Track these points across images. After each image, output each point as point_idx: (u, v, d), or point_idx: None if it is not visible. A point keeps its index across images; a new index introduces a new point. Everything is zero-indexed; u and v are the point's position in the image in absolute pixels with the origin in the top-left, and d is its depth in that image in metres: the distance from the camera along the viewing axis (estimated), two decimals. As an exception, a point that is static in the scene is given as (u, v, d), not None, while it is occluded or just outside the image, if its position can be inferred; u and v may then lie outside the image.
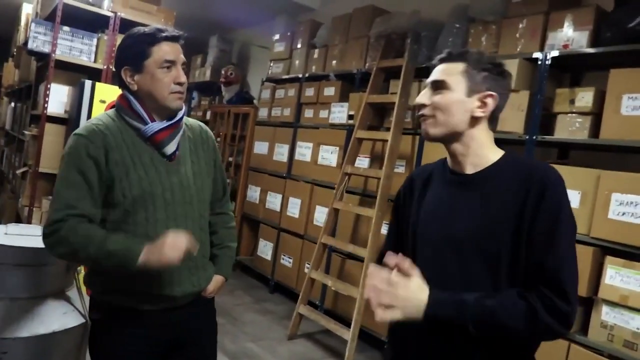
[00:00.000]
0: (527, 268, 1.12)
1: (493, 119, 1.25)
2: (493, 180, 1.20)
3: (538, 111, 2.95)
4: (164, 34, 1.45)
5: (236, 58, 7.02)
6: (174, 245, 1.33)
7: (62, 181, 1.41)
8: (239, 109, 5.91)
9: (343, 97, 4.45)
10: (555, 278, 1.08)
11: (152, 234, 1.41)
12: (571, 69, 3.19)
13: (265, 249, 5.14)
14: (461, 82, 1.20)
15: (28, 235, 1.82)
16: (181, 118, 1.53)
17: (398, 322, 1.13)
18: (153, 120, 1.47)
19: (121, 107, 1.50)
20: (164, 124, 1.48)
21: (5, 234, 1.80)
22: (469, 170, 1.24)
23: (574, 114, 2.85)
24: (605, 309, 2.57)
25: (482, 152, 1.22)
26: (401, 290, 1.11)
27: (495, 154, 1.24)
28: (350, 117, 4.25)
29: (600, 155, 3.00)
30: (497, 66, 1.23)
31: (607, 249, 2.60)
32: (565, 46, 2.93)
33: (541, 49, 3.06)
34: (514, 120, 2.99)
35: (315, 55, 4.98)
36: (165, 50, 1.44)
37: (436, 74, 1.24)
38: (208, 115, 6.71)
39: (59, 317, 1.76)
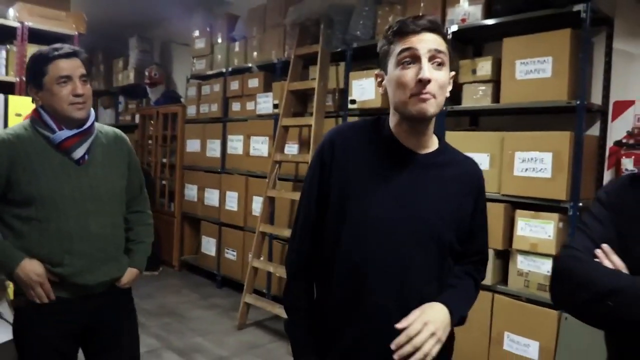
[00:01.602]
0: (466, 251, 1.27)
1: None
2: (444, 165, 1.21)
3: (445, 83, 3.14)
4: (57, 53, 1.60)
5: (158, 58, 6.91)
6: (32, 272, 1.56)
7: None
8: (167, 109, 5.86)
9: (267, 88, 4.52)
10: (485, 256, 1.35)
11: (65, 228, 1.60)
12: (472, 41, 3.40)
13: (208, 246, 5.17)
14: (447, 58, 1.12)
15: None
16: (90, 126, 1.68)
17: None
18: (61, 129, 1.62)
19: (34, 118, 1.65)
20: (72, 132, 1.62)
21: None
22: (421, 149, 1.20)
23: (476, 83, 3.06)
24: (519, 258, 2.80)
25: (431, 132, 1.21)
26: (431, 326, 1.09)
27: (435, 138, 1.25)
28: (275, 106, 4.34)
29: (504, 119, 3.23)
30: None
31: (517, 204, 2.83)
32: (463, 20, 3.13)
33: (443, 24, 3.24)
34: (424, 94, 3.17)
35: (236, 49, 5.01)
36: (60, 67, 1.59)
37: (432, 43, 1.09)
38: (137, 119, 6.61)
39: (-12, 331, 1.76)
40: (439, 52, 1.10)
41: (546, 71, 2.72)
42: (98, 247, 1.66)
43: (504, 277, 2.93)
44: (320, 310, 1.25)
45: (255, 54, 4.76)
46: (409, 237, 1.15)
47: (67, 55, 1.61)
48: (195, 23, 5.79)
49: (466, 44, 3.43)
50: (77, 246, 1.62)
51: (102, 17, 5.74)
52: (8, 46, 3.77)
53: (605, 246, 1.06)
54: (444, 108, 3.10)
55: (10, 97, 3.30)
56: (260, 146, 4.53)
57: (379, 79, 1.22)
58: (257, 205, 4.48)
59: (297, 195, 3.90)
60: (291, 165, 4.14)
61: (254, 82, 4.66)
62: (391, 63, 1.14)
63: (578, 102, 2.62)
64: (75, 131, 1.63)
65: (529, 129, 2.86)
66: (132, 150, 1.87)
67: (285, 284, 1.34)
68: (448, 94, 1.15)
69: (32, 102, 1.67)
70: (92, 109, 1.71)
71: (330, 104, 3.89)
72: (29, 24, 3.77)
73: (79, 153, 1.64)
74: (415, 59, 1.09)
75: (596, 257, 1.05)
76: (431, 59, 1.09)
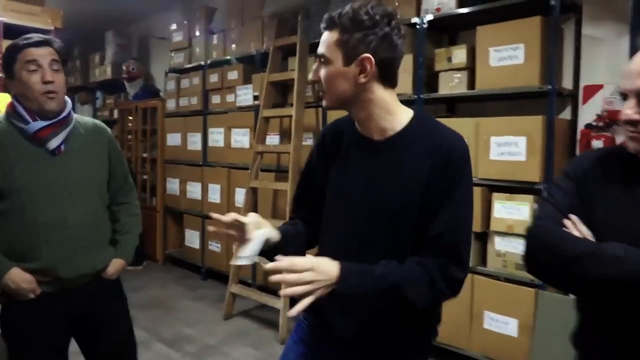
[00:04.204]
0: (425, 235, 1.16)
1: (387, 78, 1.20)
2: (402, 148, 1.20)
3: (421, 72, 3.22)
4: (26, 41, 1.61)
5: (136, 52, 6.86)
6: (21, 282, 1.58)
7: None
8: (146, 103, 5.84)
9: (247, 80, 4.54)
10: (451, 245, 1.15)
11: (42, 218, 1.60)
12: (447, 30, 3.47)
13: (192, 239, 5.19)
14: (337, 52, 1.16)
15: None
16: (65, 117, 1.67)
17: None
18: (35, 120, 1.61)
19: (8, 111, 1.66)
20: (45, 122, 1.62)
21: None
22: (377, 136, 1.23)
23: (452, 71, 3.14)
24: (497, 239, 2.90)
25: (386, 117, 1.21)
26: (314, 273, 1.08)
27: (403, 117, 1.23)
28: (255, 97, 4.37)
29: (480, 105, 3.32)
30: (373, 18, 1.15)
31: (493, 187, 2.93)
32: (438, 9, 3.20)
33: (417, 14, 3.31)
34: (402, 82, 3.24)
35: (215, 42, 5.01)
36: (30, 53, 1.59)
37: (319, 46, 1.22)
38: (115, 114, 6.56)
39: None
40: (319, 54, 1.22)
41: (518, 58, 2.81)
42: (77, 238, 1.65)
43: (482, 259, 3.02)
44: None
45: (234, 46, 4.77)
46: (363, 222, 1.23)
47: (38, 44, 1.61)
48: (173, 17, 5.78)
49: (441, 33, 3.50)
50: (54, 237, 1.61)
51: (78, 12, 5.68)
52: (-18, 42, 3.73)
53: (573, 217, 1.13)
54: (421, 96, 3.19)
55: (-13, 94, 3.27)
56: (242, 138, 4.56)
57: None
58: (239, 196, 4.52)
59: (279, 186, 3.97)
60: (273, 155, 4.18)
61: (233, 75, 4.68)
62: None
63: (549, 87, 2.72)
64: (49, 122, 1.62)
65: (504, 114, 2.96)
66: (114, 141, 1.87)
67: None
68: (352, 81, 1.18)
69: (10, 95, 1.68)
70: (68, 99, 1.71)
71: (310, 95, 3.93)
72: (3, 19, 3.73)
73: (53, 143, 1.63)
74: None
75: (564, 226, 1.12)
76: (318, 58, 1.22)
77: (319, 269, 1.09)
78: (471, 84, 3.08)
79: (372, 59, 1.15)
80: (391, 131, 1.22)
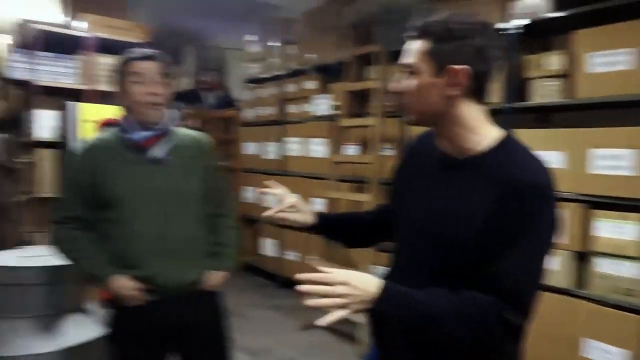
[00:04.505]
0: (485, 272, 1.05)
1: (478, 92, 1.11)
2: (475, 172, 1.11)
3: (512, 79, 3.06)
4: (133, 55, 1.68)
5: (213, 63, 7.07)
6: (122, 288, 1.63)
7: (63, 186, 1.73)
8: (223, 113, 5.98)
9: (324, 89, 4.53)
10: (513, 289, 1.03)
11: (142, 227, 1.65)
12: (539, 35, 3.29)
13: (268, 247, 5.23)
14: (426, 62, 1.10)
15: (40, 256, 1.90)
16: (167, 128, 1.71)
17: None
18: (140, 131, 1.68)
19: (118, 123, 1.74)
20: (149, 132, 1.68)
21: (19, 257, 1.88)
22: (456, 154, 1.15)
23: (545, 78, 2.96)
24: (599, 260, 2.67)
25: (470, 135, 1.12)
26: (348, 287, 1.00)
27: (489, 137, 1.13)
28: (333, 107, 4.34)
29: (578, 114, 3.10)
30: (469, 28, 1.09)
31: (595, 203, 2.71)
32: (530, 14, 3.03)
33: (506, 19, 3.16)
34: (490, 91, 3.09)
35: (292, 51, 5.05)
36: (137, 67, 1.66)
37: (404, 56, 1.15)
38: (198, 123, 6.77)
39: (80, 330, 1.85)
40: (404, 64, 1.16)
41: (626, 63, 2.60)
42: (176, 248, 1.68)
43: (582, 281, 2.81)
44: None
45: (311, 56, 4.79)
46: (418, 244, 1.18)
47: (144, 58, 1.67)
48: (250, 29, 5.90)
49: (532, 39, 3.31)
50: (154, 246, 1.65)
51: (158, 26, 5.93)
52: (78, 56, 3.94)
53: None
54: (511, 105, 3.02)
55: (82, 105, 3.45)
56: (319, 147, 4.55)
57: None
58: (316, 206, 4.50)
59: (357, 197, 3.91)
60: (351, 166, 4.13)
61: (310, 84, 4.69)
62: None
63: (662, 95, 2.49)
64: (152, 132, 1.68)
65: (605, 124, 2.74)
66: (214, 155, 1.90)
67: None
68: (442, 94, 1.11)
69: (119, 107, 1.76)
70: (170, 111, 1.74)
71: (392, 104, 3.85)
72: (98, 34, 3.93)
73: (156, 153, 1.68)
74: None
75: None
76: (402, 68, 1.16)
77: (353, 283, 1.00)
78: (568, 92, 2.89)
79: (467, 71, 1.08)
80: (472, 151, 1.13)
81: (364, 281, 1.02)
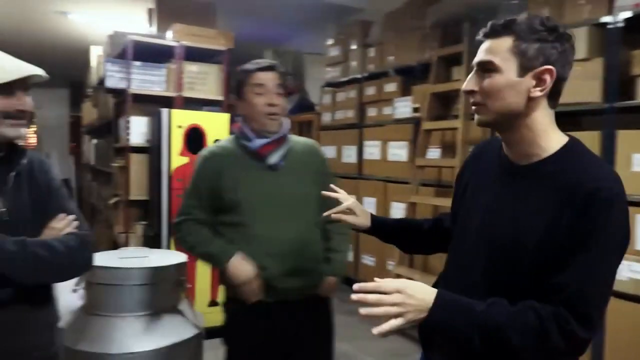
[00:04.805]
0: (547, 283, 1.01)
1: (554, 95, 1.09)
2: (538, 178, 1.08)
3: (614, 77, 2.83)
4: (255, 66, 1.75)
5: (292, 68, 7.16)
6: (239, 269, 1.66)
7: (186, 192, 1.84)
8: (302, 117, 6.04)
9: (405, 92, 4.45)
10: (578, 301, 0.99)
11: (264, 232, 1.70)
12: (646, 28, 3.03)
13: (344, 251, 5.20)
14: (510, 61, 1.06)
15: (139, 257, 1.98)
16: (284, 135, 1.77)
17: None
18: (258, 138, 1.75)
19: (236, 130, 1.83)
20: (267, 140, 1.74)
21: (120, 258, 1.96)
22: (522, 160, 1.11)
23: (655, 75, 2.72)
24: None
25: (538, 140, 1.09)
26: (403, 295, 0.99)
27: (556, 142, 1.10)
28: (415, 110, 4.25)
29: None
30: (553, 31, 1.06)
31: None
32: (637, 5, 2.80)
33: (609, 12, 2.94)
34: (588, 90, 2.89)
35: (372, 54, 5.01)
36: (258, 78, 1.72)
37: (481, 54, 1.10)
38: (272, 128, 6.91)
39: (175, 330, 1.90)
40: (483, 61, 1.10)
41: None
42: (296, 253, 1.71)
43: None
44: None
45: (391, 58, 4.72)
46: (474, 252, 1.15)
47: (265, 69, 1.74)
48: (328, 32, 5.92)
49: (637, 33, 3.06)
50: (271, 249, 1.69)
51: (238, 33, 6.10)
52: (167, 64, 4.12)
53: None
54: (613, 105, 2.80)
55: (172, 111, 3.59)
56: (399, 151, 4.46)
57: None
58: (395, 211, 4.42)
59: (440, 201, 3.79)
60: (433, 170, 4.02)
61: (391, 87, 4.62)
62: None
63: None
64: (269, 139, 1.74)
65: None
66: (326, 161, 1.94)
67: None
68: (524, 95, 1.07)
69: (234, 116, 1.81)
70: (286, 120, 1.80)
71: (476, 106, 3.71)
72: (185, 43, 4.08)
73: (273, 159, 1.74)
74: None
75: None
76: (478, 67, 1.11)
77: (409, 292, 0.99)
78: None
79: (553, 72, 1.05)
80: (536, 157, 1.10)
81: (420, 290, 1.01)
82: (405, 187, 4.02)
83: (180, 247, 1.86)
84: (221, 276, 1.80)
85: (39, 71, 1.32)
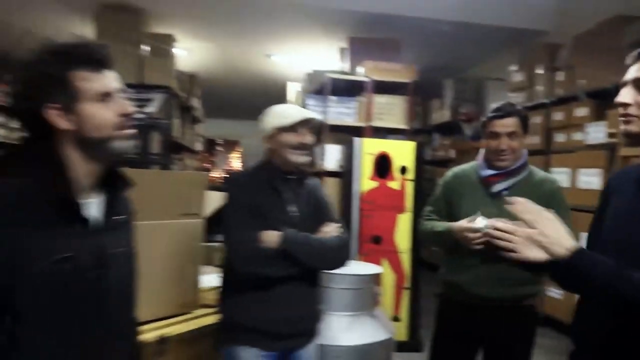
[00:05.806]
0: None
1: None
2: None
3: None
4: (493, 114, 1.97)
5: (472, 95, 7.19)
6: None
7: (429, 200, 2.20)
8: (479, 143, 6.01)
9: (597, 116, 4.23)
10: None
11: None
12: None
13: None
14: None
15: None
16: (515, 169, 1.97)
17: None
18: (486, 169, 2.00)
19: (478, 160, 2.08)
20: (492, 172, 1.98)
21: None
22: None
23: None
24: None
25: None
26: (549, 229, 1.11)
27: None
28: (610, 135, 4.02)
29: None
30: None
31: None
32: None
33: None
34: None
35: (560, 78, 4.85)
36: (493, 125, 1.94)
37: (637, 72, 1.12)
38: (452, 154, 6.99)
39: (372, 330, 2.17)
40: None
41: None
42: (499, 269, 1.81)
43: None
44: None
45: (583, 81, 4.53)
46: (605, 249, 1.15)
47: (501, 117, 1.94)
48: (510, 57, 5.86)
49: None
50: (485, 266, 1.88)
51: (421, 64, 6.36)
52: (357, 98, 4.56)
53: None
54: None
55: (364, 140, 3.97)
56: (590, 179, 4.24)
57: None
58: (585, 242, 4.18)
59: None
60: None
61: (581, 111, 4.43)
62: None
63: None
64: (497, 172, 1.96)
65: None
66: (557, 193, 2.05)
67: None
68: None
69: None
70: (525, 154, 2.00)
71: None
72: (375, 77, 4.48)
73: (497, 188, 1.95)
74: None
75: None
76: (635, 83, 1.15)
77: (546, 232, 1.11)
78: None
79: None
80: None
81: (560, 233, 1.12)
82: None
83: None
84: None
85: (313, 115, 1.79)
